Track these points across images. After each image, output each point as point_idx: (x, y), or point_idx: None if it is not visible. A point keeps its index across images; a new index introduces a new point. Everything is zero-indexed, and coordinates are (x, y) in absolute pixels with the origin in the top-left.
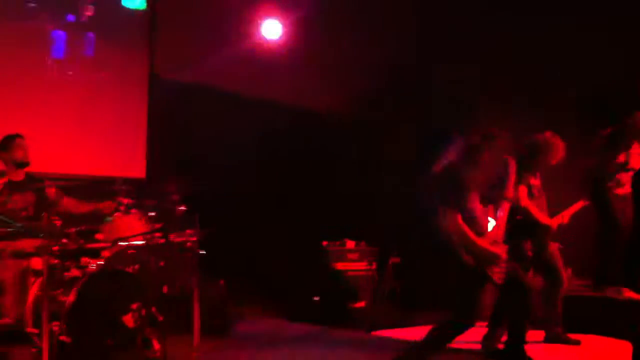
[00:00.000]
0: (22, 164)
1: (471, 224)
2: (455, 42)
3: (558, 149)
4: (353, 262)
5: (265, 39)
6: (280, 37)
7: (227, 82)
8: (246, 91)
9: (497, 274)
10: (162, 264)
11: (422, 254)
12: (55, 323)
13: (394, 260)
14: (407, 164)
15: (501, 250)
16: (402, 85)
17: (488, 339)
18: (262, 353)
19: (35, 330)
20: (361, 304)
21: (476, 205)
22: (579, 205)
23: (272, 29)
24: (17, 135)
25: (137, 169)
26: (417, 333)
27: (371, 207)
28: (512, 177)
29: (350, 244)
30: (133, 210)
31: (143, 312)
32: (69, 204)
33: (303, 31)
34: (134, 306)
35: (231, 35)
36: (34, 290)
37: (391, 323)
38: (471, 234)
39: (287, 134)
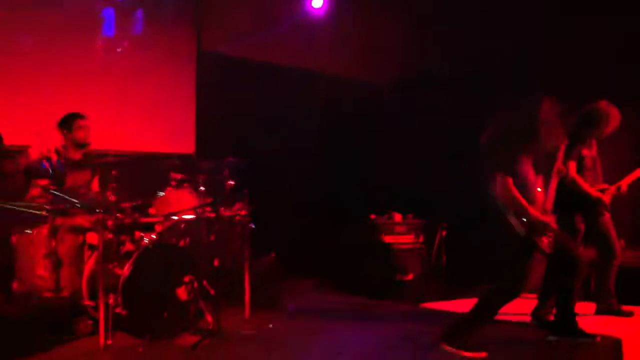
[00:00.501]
0: (83, 145)
1: (523, 191)
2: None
3: (613, 119)
4: (401, 235)
5: (313, 9)
6: (329, 7)
7: (275, 54)
8: (295, 64)
9: (547, 243)
10: (212, 237)
11: (472, 225)
12: (111, 296)
13: (442, 232)
14: (455, 134)
15: (551, 220)
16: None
17: (538, 311)
18: (312, 325)
19: (92, 303)
20: (409, 277)
21: (529, 173)
22: (637, 173)
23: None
24: (79, 116)
25: (187, 145)
26: (465, 305)
27: (419, 179)
28: (562, 149)
29: (397, 216)
30: (184, 185)
31: (195, 285)
32: (127, 180)
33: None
34: (187, 279)
35: (278, 7)
36: (90, 264)
37: (440, 296)
38: (522, 200)
39: (335, 107)
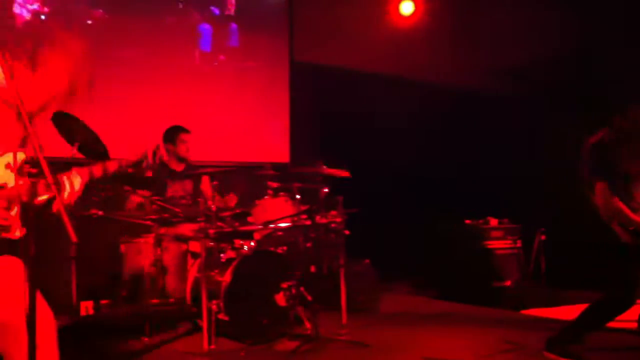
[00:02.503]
0: (183, 159)
1: (625, 198)
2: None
3: None
4: (497, 239)
5: (403, 16)
6: (419, 13)
7: (367, 62)
8: (387, 70)
9: None
10: (309, 244)
11: (571, 229)
12: (214, 302)
13: (540, 236)
14: (551, 139)
15: None
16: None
17: None
18: (409, 331)
19: (196, 309)
20: (507, 283)
21: (633, 179)
22: None
23: (409, 6)
24: (183, 130)
25: (282, 154)
26: (567, 312)
27: (515, 182)
28: None
29: (493, 221)
30: (280, 194)
31: (293, 291)
32: (226, 190)
33: (443, 6)
34: (285, 285)
35: (369, 15)
36: (193, 272)
37: (540, 302)
38: (624, 208)
39: (426, 112)
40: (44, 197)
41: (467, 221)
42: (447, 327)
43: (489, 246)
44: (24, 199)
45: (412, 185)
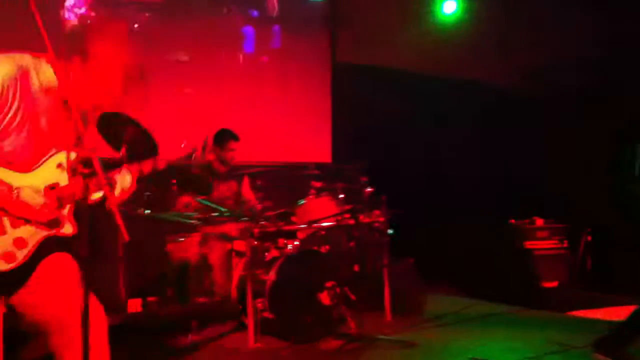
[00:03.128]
0: (226, 163)
1: None
2: None
3: None
4: (543, 240)
5: (445, 15)
6: (461, 13)
7: (409, 61)
8: (429, 69)
9: None
10: (352, 244)
11: (618, 229)
12: (259, 300)
13: (587, 237)
14: (599, 136)
15: None
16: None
17: None
18: (453, 331)
19: (241, 307)
20: (553, 284)
21: None
22: None
23: (451, 5)
24: (233, 137)
25: (324, 154)
26: (614, 313)
27: (561, 183)
28: None
29: (539, 221)
30: (324, 193)
31: (337, 290)
32: (270, 190)
33: (485, 6)
34: (329, 284)
35: (411, 13)
36: (238, 270)
37: (587, 303)
38: None
39: (469, 112)
40: (97, 196)
41: (512, 221)
42: (491, 328)
43: (535, 246)
44: (77, 197)
45: (456, 185)
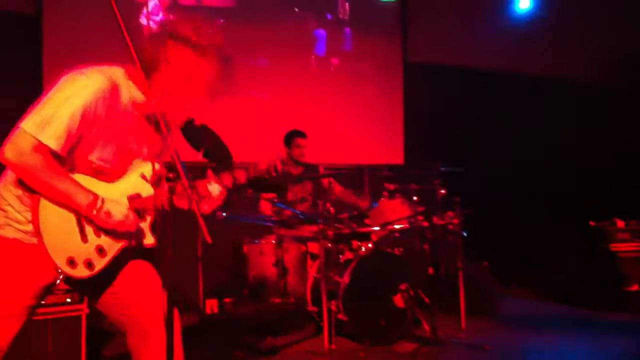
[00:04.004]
0: (297, 162)
1: None
2: None
3: None
4: (624, 242)
5: (518, 11)
6: (534, 9)
7: (481, 59)
8: (500, 67)
9: None
10: (426, 246)
11: None
12: (333, 302)
13: None
14: None
15: None
16: None
17: None
18: (529, 335)
19: (316, 309)
20: (634, 287)
21: None
22: None
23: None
24: (298, 134)
25: (397, 155)
26: None
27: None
28: None
29: (620, 223)
30: (397, 195)
31: (411, 292)
32: (340, 192)
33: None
34: (403, 287)
35: (483, 11)
36: (312, 272)
37: None
38: None
39: (544, 110)
40: (184, 202)
41: (592, 223)
42: (569, 331)
43: (615, 249)
44: (161, 203)
45: (532, 185)
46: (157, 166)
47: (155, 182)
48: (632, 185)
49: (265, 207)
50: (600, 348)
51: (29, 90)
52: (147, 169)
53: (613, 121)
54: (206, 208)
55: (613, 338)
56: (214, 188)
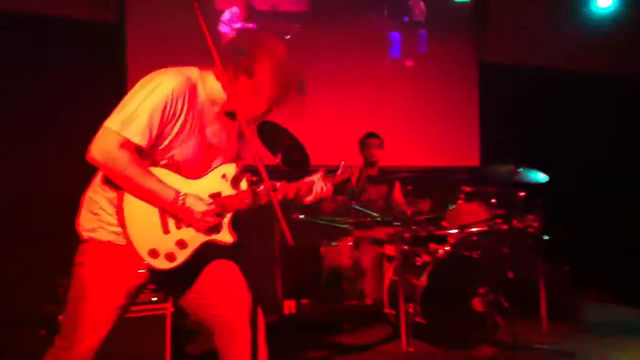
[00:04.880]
0: (370, 163)
1: None
2: None
3: None
4: None
5: (596, 9)
6: (617, 6)
7: (559, 59)
8: (578, 67)
9: None
10: (505, 249)
11: None
12: (410, 305)
13: None
14: None
15: None
16: None
17: None
18: (614, 341)
19: (392, 312)
20: None
21: None
22: None
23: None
24: (370, 135)
25: (473, 157)
26: None
27: None
28: None
29: None
30: (474, 198)
31: (490, 296)
32: (396, 197)
33: None
34: (482, 291)
35: (561, 10)
36: (389, 275)
37: None
38: None
39: (624, 109)
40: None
41: None
42: None
43: None
44: (239, 207)
45: (612, 187)
46: (237, 167)
47: (235, 182)
48: None
49: (337, 209)
50: None
51: (114, 97)
52: (229, 169)
53: None
54: (309, 199)
55: None
56: (319, 187)
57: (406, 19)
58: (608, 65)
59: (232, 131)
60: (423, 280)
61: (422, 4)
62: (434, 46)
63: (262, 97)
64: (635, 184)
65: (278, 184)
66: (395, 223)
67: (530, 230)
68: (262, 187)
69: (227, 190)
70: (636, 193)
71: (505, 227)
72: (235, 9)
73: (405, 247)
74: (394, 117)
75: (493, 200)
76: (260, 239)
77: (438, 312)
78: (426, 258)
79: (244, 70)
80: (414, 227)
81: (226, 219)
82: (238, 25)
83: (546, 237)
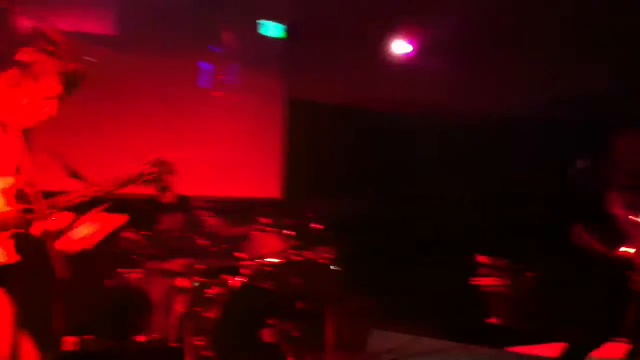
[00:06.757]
0: (164, 189)
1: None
2: None
3: None
4: (486, 277)
5: (399, 53)
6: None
7: (362, 100)
8: (386, 106)
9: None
10: (298, 280)
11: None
12: (200, 338)
13: (527, 274)
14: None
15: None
16: None
17: (633, 356)
18: None
19: (181, 345)
20: (493, 320)
21: (616, 208)
22: None
23: (404, 46)
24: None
25: (274, 189)
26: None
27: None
28: None
29: (484, 259)
30: (270, 229)
31: (282, 327)
32: (215, 225)
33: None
34: (273, 322)
35: (365, 55)
36: (178, 307)
37: (527, 339)
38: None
39: (439, 145)
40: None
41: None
42: None
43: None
44: (14, 225)
45: (415, 222)
46: (11, 181)
47: (10, 198)
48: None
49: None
50: None
51: None
52: (4, 183)
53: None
54: (73, 245)
55: None
56: (83, 230)
57: (213, 49)
58: (410, 104)
59: (7, 144)
60: (213, 312)
61: (233, 36)
62: (243, 78)
63: (35, 106)
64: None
65: (50, 212)
66: (188, 254)
67: (324, 261)
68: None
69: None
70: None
71: (298, 258)
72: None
73: (198, 279)
74: (196, 146)
75: (288, 232)
76: (39, 266)
77: (228, 344)
78: (218, 290)
79: (15, 77)
80: (207, 259)
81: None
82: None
83: (338, 269)
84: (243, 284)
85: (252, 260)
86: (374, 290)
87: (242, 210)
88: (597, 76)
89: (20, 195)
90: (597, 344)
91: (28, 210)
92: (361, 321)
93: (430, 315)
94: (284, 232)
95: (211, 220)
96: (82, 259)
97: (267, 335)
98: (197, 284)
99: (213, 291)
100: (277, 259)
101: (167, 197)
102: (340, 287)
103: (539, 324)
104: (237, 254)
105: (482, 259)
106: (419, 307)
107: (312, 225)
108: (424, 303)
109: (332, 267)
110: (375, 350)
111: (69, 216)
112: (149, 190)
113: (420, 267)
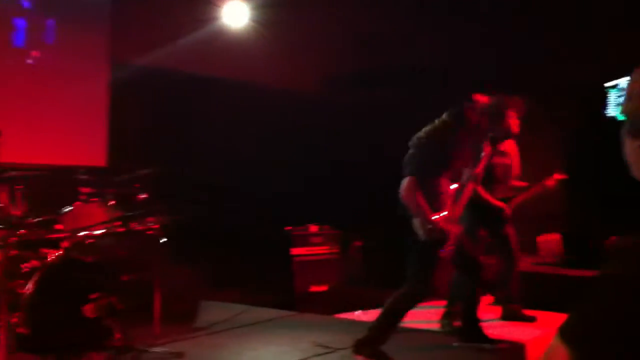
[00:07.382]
0: None
1: (430, 197)
2: None
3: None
4: (316, 246)
5: (229, 22)
6: (242, 20)
7: (189, 66)
8: (212, 73)
9: (447, 250)
10: (123, 252)
11: (390, 234)
12: (15, 314)
13: (356, 243)
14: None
15: (453, 229)
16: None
17: (445, 318)
18: (224, 339)
19: None
20: (324, 288)
21: (441, 180)
22: (531, 192)
23: (236, 12)
24: None
25: (99, 158)
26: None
27: (337, 191)
28: (483, 161)
29: (313, 228)
30: (93, 199)
31: (103, 301)
32: (32, 195)
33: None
34: (94, 296)
35: (192, 19)
36: None
37: (355, 306)
38: (422, 203)
39: (252, 116)
40: None
41: (287, 228)
42: (261, 333)
43: (307, 252)
44: None
45: (237, 192)
46: None
47: None
48: (330, 193)
49: None
50: (289, 347)
51: None
52: None
53: (317, 131)
54: None
55: (301, 337)
56: None
57: (26, 4)
58: (236, 72)
59: None
60: (29, 287)
61: None
62: (63, 39)
63: None
64: (262, 187)
65: None
66: (1, 226)
67: (150, 232)
68: None
69: None
70: (264, 197)
71: (123, 229)
72: None
73: (12, 252)
74: (15, 110)
75: (112, 202)
76: None
77: (45, 321)
78: (35, 263)
79: None
80: (22, 231)
81: None
82: None
83: (165, 240)
84: (62, 257)
85: (73, 232)
86: (201, 261)
87: (63, 179)
88: None
89: None
90: (410, 304)
91: None
92: (190, 293)
93: (260, 285)
94: (109, 202)
95: (28, 190)
96: None
97: (89, 311)
98: (11, 258)
99: (29, 265)
100: (101, 230)
101: None
102: (168, 259)
103: (366, 290)
104: (57, 226)
105: (312, 228)
106: (248, 278)
107: (139, 195)
108: (253, 273)
109: (158, 238)
110: (206, 321)
111: None
112: None
113: (251, 238)
